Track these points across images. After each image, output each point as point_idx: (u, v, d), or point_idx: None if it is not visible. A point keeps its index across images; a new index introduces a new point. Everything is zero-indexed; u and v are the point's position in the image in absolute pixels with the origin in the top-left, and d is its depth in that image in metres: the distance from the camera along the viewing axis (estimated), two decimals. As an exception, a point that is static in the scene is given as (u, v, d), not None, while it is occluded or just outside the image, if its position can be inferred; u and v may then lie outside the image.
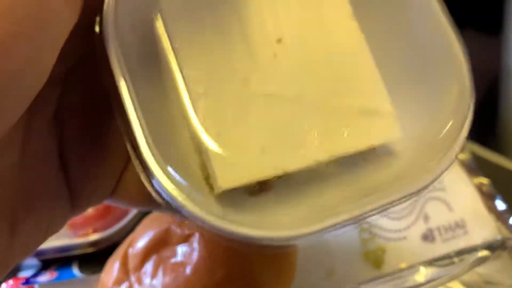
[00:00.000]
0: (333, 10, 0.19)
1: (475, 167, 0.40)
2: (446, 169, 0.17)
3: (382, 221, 0.37)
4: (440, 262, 0.33)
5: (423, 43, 0.19)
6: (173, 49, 0.17)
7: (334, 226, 0.16)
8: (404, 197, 0.17)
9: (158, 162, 0.15)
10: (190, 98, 0.17)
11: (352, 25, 0.19)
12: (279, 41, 0.18)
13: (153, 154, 0.15)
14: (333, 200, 0.18)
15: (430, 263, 0.33)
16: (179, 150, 0.17)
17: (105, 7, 0.16)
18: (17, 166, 0.16)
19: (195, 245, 0.30)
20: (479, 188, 0.39)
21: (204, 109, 0.17)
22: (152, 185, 0.16)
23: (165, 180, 0.15)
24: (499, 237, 0.36)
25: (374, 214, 0.17)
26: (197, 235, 0.30)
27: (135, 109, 0.15)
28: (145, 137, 0.15)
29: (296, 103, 0.18)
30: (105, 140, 0.19)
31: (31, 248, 0.18)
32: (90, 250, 0.36)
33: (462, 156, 0.40)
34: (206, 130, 0.17)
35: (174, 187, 0.15)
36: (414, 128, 0.19)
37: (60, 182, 0.18)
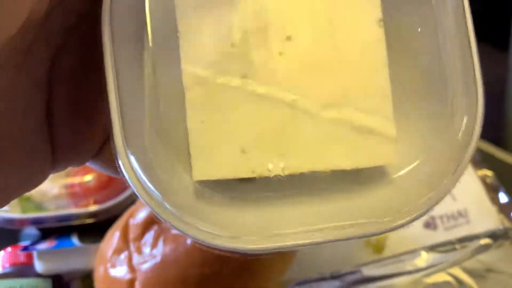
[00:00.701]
0: (362, 12, 0.17)
1: (480, 159, 0.40)
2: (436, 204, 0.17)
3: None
4: (441, 248, 0.33)
5: (446, 65, 0.17)
6: (178, 32, 0.17)
7: (282, 248, 0.16)
8: (381, 232, 0.16)
9: (125, 150, 0.16)
10: (184, 86, 0.17)
11: (377, 32, 0.17)
12: (288, 38, 0.17)
13: (122, 143, 0.16)
14: (304, 218, 0.17)
15: (431, 248, 0.33)
16: (165, 137, 0.17)
17: None
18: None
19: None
20: (483, 180, 0.39)
21: (195, 98, 0.17)
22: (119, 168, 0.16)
23: (127, 166, 0.16)
24: (501, 227, 0.35)
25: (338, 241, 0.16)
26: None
27: (116, 92, 0.16)
28: (119, 125, 0.16)
29: (291, 108, 0.17)
30: (92, 110, 0.19)
31: (3, 202, 0.18)
32: (89, 220, 0.36)
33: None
34: (191, 118, 0.17)
35: (134, 176, 0.16)
36: (413, 153, 0.17)
37: (43, 136, 0.18)
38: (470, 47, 0.17)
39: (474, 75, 0.16)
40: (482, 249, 0.33)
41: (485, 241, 0.33)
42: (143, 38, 0.17)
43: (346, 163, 0.17)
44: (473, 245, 0.33)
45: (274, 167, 0.16)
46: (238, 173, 0.16)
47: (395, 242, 0.36)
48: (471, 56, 0.17)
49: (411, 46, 0.18)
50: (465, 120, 0.17)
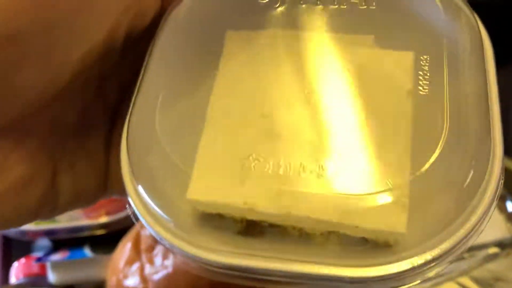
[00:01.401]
0: (394, 81, 0.17)
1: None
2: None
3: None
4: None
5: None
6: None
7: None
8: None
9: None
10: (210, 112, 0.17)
11: (407, 103, 0.17)
12: (313, 91, 0.17)
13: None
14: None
15: (439, 257, 0.33)
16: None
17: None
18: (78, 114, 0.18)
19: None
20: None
21: (215, 122, 0.17)
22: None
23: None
24: (509, 235, 0.36)
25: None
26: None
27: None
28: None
29: (305, 151, 0.16)
30: None
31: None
32: (101, 232, 0.37)
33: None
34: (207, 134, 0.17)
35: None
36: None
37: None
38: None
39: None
40: (490, 258, 0.33)
41: (493, 250, 0.33)
42: None
43: (349, 221, 0.15)
44: (481, 254, 0.33)
45: (269, 205, 0.15)
46: (229, 201, 0.16)
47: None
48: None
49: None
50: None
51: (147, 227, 0.16)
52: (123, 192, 0.17)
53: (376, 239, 0.15)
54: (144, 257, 0.32)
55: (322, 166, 0.16)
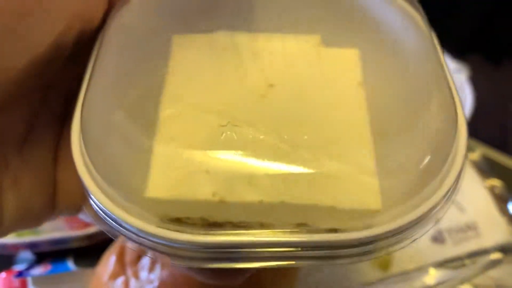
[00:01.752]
0: (344, 75, 0.18)
1: (487, 169, 0.39)
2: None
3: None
4: (450, 264, 0.31)
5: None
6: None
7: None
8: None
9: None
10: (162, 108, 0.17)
11: (359, 94, 0.18)
12: (271, 86, 0.18)
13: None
14: None
15: (440, 264, 0.31)
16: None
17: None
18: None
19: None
20: (492, 190, 0.37)
21: (169, 118, 0.17)
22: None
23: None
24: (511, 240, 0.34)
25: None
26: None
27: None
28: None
29: (266, 144, 0.16)
30: None
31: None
32: (85, 243, 0.35)
33: (473, 157, 0.39)
34: (162, 134, 0.16)
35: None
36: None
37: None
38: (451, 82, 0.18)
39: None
40: (492, 264, 0.31)
41: (495, 255, 0.32)
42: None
43: (314, 199, 0.16)
44: (483, 260, 0.32)
45: (237, 193, 0.15)
46: (197, 193, 0.15)
47: (401, 258, 0.34)
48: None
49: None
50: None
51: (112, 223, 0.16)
52: (72, 210, 0.16)
53: (348, 223, 0.16)
54: (129, 270, 0.30)
55: (289, 153, 0.16)
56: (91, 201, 0.16)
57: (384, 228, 0.15)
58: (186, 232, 0.15)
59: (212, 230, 0.15)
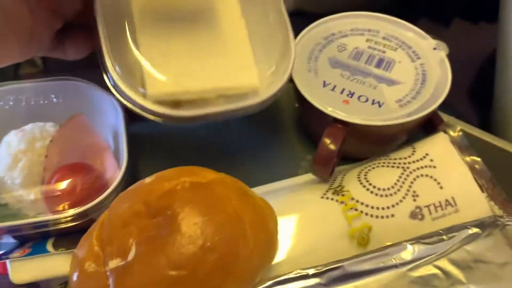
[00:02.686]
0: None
1: (467, 145, 0.39)
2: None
3: (369, 198, 0.35)
4: (428, 240, 0.31)
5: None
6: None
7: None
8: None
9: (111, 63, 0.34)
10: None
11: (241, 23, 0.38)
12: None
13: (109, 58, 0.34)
14: None
15: (417, 240, 0.31)
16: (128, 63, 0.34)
17: None
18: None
19: (171, 217, 0.29)
20: (472, 166, 0.37)
21: (147, 39, 0.35)
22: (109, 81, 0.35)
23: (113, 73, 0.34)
24: (491, 215, 0.34)
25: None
26: (173, 208, 0.29)
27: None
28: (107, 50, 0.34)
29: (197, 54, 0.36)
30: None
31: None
32: (66, 225, 0.35)
33: (453, 134, 0.39)
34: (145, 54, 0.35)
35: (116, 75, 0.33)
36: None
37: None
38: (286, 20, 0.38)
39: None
40: (470, 239, 0.31)
41: (473, 230, 0.32)
42: None
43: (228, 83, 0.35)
44: (461, 235, 0.32)
45: (194, 85, 0.35)
46: (180, 90, 0.34)
47: (380, 234, 0.35)
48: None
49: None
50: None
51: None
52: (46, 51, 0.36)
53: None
54: (105, 250, 0.30)
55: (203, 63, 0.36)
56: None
57: (267, 93, 0.35)
58: None
59: None
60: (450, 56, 0.39)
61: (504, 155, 0.44)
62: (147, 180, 0.31)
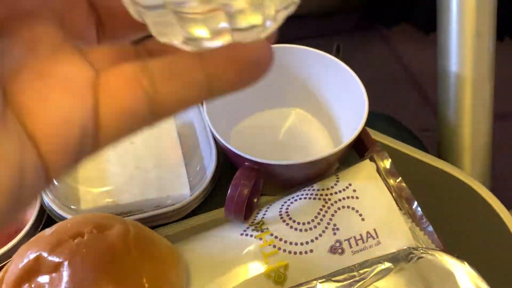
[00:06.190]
0: None
1: (394, 171, 0.38)
2: None
3: (288, 233, 0.35)
4: (339, 277, 0.31)
5: None
6: None
7: None
8: None
9: None
10: None
11: None
12: None
13: None
14: None
15: (328, 278, 0.31)
16: None
17: None
18: None
19: (64, 273, 0.28)
20: (398, 191, 0.37)
21: None
22: None
23: None
24: (406, 248, 0.33)
25: None
26: (65, 264, 0.28)
27: None
28: None
29: None
30: None
31: None
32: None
33: (380, 162, 0.38)
34: None
35: None
36: None
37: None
38: None
39: None
40: (381, 275, 0.31)
41: (385, 265, 0.31)
42: None
43: None
44: (373, 270, 0.31)
45: None
46: None
47: (298, 271, 0.34)
48: None
49: None
50: None
51: None
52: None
53: None
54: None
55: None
56: None
57: None
58: None
59: None
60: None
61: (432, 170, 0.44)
62: (48, 231, 0.31)
